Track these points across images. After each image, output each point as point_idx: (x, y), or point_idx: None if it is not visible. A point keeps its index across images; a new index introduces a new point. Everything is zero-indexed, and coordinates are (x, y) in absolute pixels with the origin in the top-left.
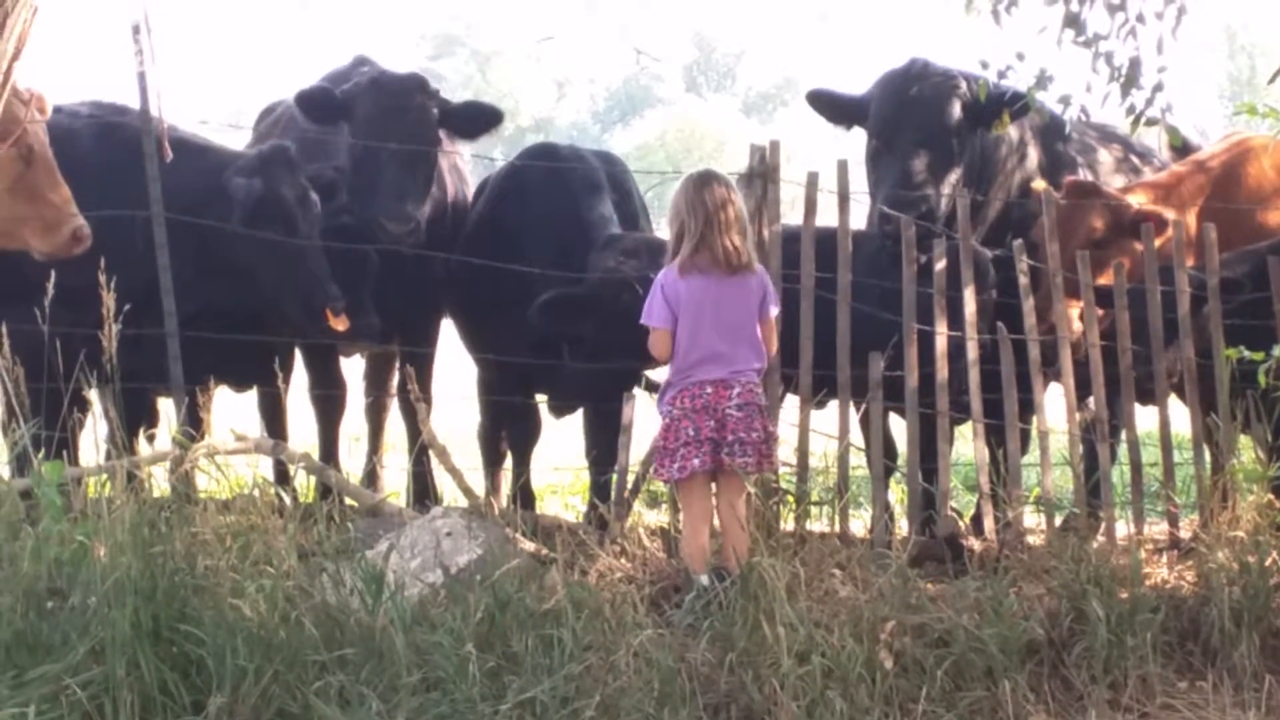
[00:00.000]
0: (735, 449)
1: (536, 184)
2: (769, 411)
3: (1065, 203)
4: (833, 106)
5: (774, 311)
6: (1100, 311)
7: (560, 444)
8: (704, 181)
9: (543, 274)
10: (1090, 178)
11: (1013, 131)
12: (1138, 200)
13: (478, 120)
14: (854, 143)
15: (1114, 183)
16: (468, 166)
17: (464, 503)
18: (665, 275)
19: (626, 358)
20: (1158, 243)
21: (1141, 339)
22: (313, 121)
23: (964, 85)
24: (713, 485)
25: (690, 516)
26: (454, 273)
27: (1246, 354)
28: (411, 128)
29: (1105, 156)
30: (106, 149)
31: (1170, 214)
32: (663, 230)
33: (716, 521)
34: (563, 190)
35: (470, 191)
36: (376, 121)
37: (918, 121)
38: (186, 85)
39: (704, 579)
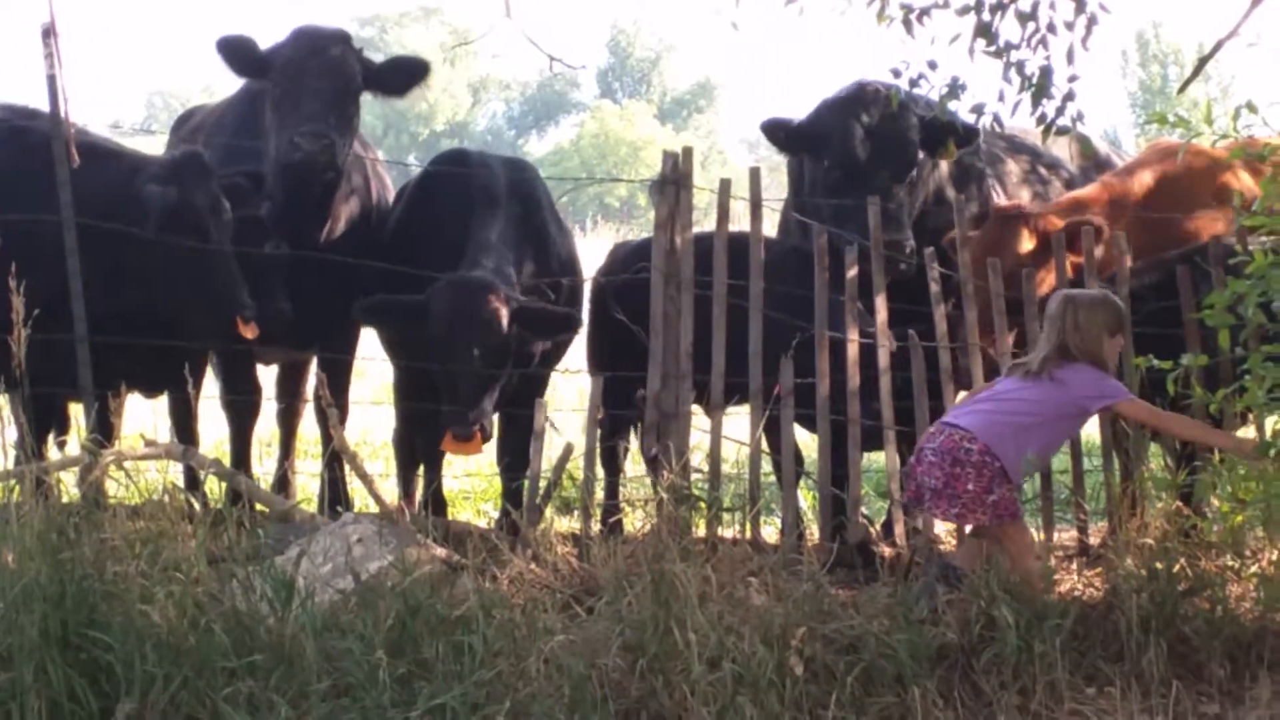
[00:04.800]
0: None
1: (443, 192)
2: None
3: (994, 228)
4: (789, 135)
5: None
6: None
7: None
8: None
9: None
10: (998, 187)
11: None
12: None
13: (406, 74)
14: (766, 149)
15: (1021, 193)
16: (386, 172)
17: (376, 509)
18: None
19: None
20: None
21: None
22: (233, 69)
23: (915, 112)
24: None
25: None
26: (373, 278)
27: (1155, 363)
28: (331, 68)
29: (1013, 167)
30: (15, 152)
31: (1101, 221)
32: (592, 236)
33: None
34: (465, 201)
35: (390, 197)
36: (297, 65)
37: (886, 157)
38: (100, 89)
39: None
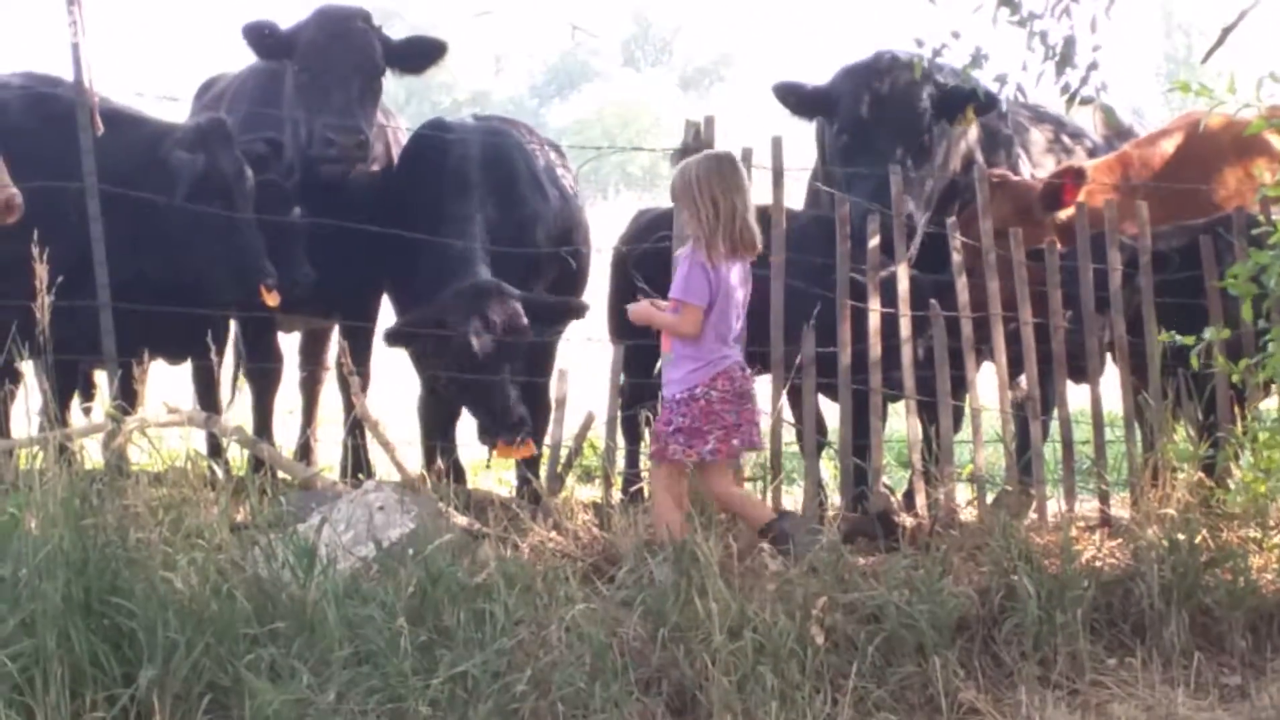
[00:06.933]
0: (755, 431)
1: (420, 165)
2: None
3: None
4: (800, 99)
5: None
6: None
7: None
8: (732, 162)
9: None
10: (1024, 157)
11: None
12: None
13: (423, 54)
14: (789, 119)
15: (1045, 162)
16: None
17: (397, 477)
18: (698, 256)
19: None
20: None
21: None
22: (257, 54)
23: (932, 80)
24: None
25: (672, 495)
26: (388, 245)
27: (1178, 339)
28: (356, 52)
29: (1037, 136)
30: (39, 120)
31: (1085, 168)
32: (615, 203)
33: None
34: (441, 176)
35: None
36: (321, 49)
37: (893, 122)
38: (122, 57)
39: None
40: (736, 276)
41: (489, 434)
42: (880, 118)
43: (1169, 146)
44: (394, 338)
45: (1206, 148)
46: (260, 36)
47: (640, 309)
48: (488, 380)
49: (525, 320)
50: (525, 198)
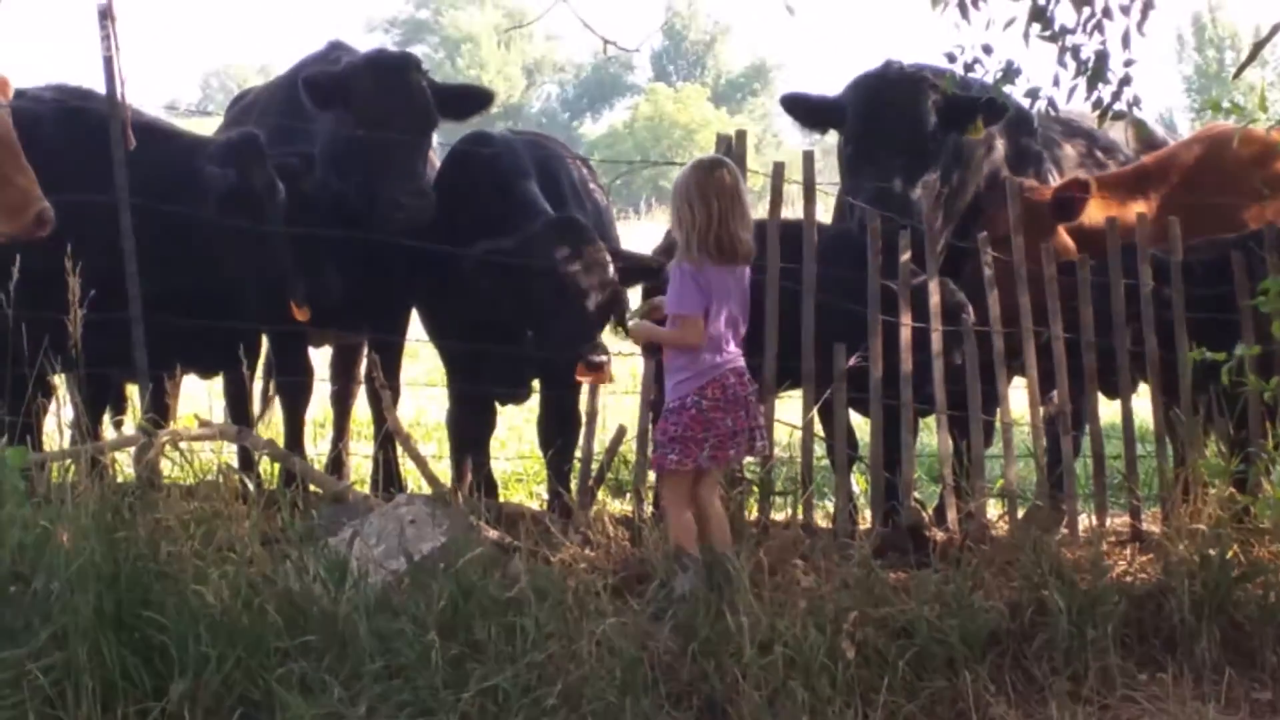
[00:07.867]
0: (757, 435)
1: (467, 175)
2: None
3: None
4: (807, 110)
5: None
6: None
7: (528, 431)
8: (713, 168)
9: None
10: (1055, 171)
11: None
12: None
13: (470, 101)
14: (822, 133)
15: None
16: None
17: (428, 490)
18: (683, 264)
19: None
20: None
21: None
22: (315, 105)
23: (939, 90)
24: None
25: (682, 502)
26: (417, 259)
27: (1209, 355)
28: (414, 106)
29: (1069, 151)
30: (71, 133)
31: (1087, 178)
32: (647, 219)
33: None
34: (495, 180)
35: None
36: (379, 100)
37: (895, 132)
38: (155, 70)
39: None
40: (728, 284)
41: (572, 349)
42: (884, 128)
43: (1187, 159)
44: (481, 264)
45: (1225, 160)
46: (318, 90)
47: (642, 328)
48: (573, 294)
49: (608, 255)
50: (569, 207)
